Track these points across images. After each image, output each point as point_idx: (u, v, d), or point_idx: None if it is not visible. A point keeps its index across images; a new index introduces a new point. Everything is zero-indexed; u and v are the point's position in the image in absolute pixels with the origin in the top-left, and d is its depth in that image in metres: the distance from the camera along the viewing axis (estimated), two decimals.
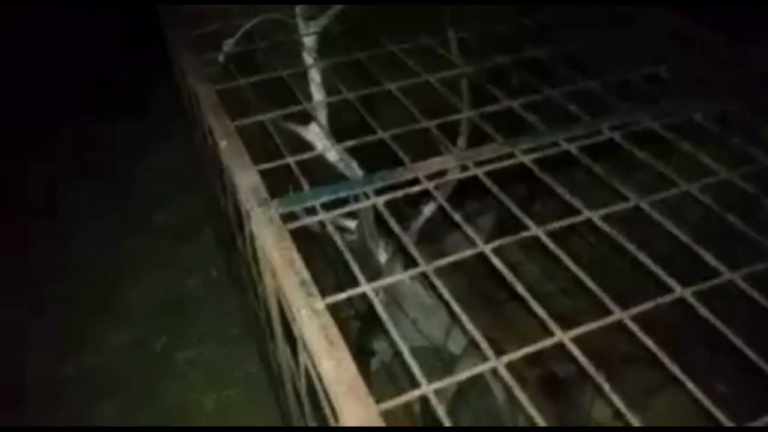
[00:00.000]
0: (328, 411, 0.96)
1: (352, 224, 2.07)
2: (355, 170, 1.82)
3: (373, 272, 1.99)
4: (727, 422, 0.80)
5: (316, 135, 1.80)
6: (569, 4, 1.86)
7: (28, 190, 3.39)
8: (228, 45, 1.79)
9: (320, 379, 0.87)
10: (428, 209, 2.01)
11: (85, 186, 3.36)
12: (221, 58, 1.78)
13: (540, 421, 0.79)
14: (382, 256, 2.06)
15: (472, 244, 1.06)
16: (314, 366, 0.91)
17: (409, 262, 1.14)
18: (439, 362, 2.01)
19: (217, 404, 2.33)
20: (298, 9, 1.79)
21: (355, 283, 1.01)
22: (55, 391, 2.38)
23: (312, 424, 1.25)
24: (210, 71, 1.67)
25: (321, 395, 0.98)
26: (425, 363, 0.90)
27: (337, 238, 1.10)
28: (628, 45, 1.70)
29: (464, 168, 1.24)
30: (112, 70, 4.16)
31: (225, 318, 2.60)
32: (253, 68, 1.70)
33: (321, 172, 1.70)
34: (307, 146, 1.85)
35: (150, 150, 3.58)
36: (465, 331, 0.95)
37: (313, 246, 2.01)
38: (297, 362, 1.12)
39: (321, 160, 1.84)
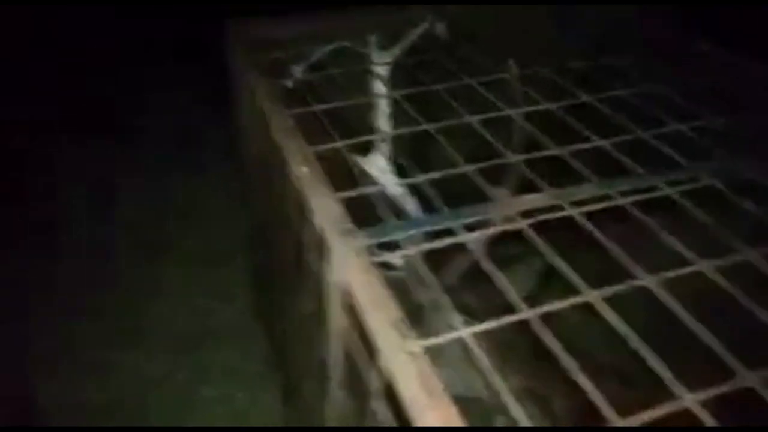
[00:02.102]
0: None
1: (398, 261, 1.99)
2: (414, 207, 1.76)
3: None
4: None
5: (379, 168, 1.74)
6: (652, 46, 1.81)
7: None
8: (297, 71, 1.75)
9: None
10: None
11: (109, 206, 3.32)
12: (290, 83, 1.74)
13: None
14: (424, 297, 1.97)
15: (577, 291, 0.98)
16: (403, 418, 0.83)
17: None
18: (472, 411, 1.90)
19: None
20: (372, 38, 1.75)
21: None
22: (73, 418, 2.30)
23: None
24: (276, 96, 1.63)
25: None
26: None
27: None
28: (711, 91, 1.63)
29: (557, 207, 1.16)
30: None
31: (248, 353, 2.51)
32: (320, 96, 1.66)
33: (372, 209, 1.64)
34: (368, 178, 1.79)
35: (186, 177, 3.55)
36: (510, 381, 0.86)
37: None
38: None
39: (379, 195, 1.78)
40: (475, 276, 1.73)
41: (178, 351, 2.54)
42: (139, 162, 3.64)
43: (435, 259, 1.15)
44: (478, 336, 0.93)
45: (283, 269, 1.64)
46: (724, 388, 0.79)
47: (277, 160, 1.47)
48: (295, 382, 1.92)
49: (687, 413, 0.76)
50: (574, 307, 0.97)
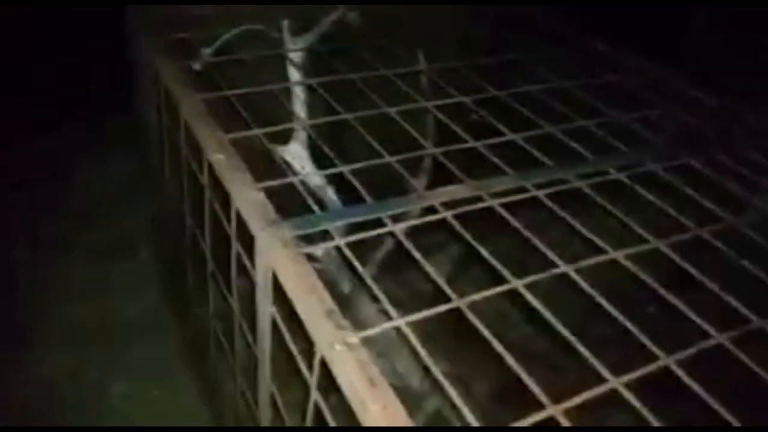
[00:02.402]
0: None
1: (319, 252, 1.98)
2: (332, 197, 1.74)
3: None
4: None
5: (295, 156, 1.70)
6: (553, 43, 1.89)
7: None
8: (205, 54, 1.67)
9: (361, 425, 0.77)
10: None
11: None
12: (198, 66, 1.66)
13: None
14: (346, 287, 1.97)
15: (494, 277, 1.01)
16: (344, 409, 0.82)
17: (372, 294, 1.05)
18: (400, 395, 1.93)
19: None
20: (285, 23, 1.71)
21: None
22: None
23: None
24: (185, 79, 1.56)
25: None
26: None
27: (358, 265, 1.02)
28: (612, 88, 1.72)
29: (478, 198, 1.18)
30: None
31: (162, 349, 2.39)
32: (231, 80, 1.60)
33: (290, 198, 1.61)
34: (286, 166, 1.75)
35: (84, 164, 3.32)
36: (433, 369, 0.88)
37: None
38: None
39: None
40: (393, 265, 1.75)
41: (84, 349, 2.38)
42: None
43: (355, 250, 1.14)
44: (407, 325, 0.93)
45: (201, 261, 1.57)
46: (645, 370, 0.84)
47: (190, 147, 1.41)
48: (216, 377, 1.86)
49: (615, 394, 0.80)
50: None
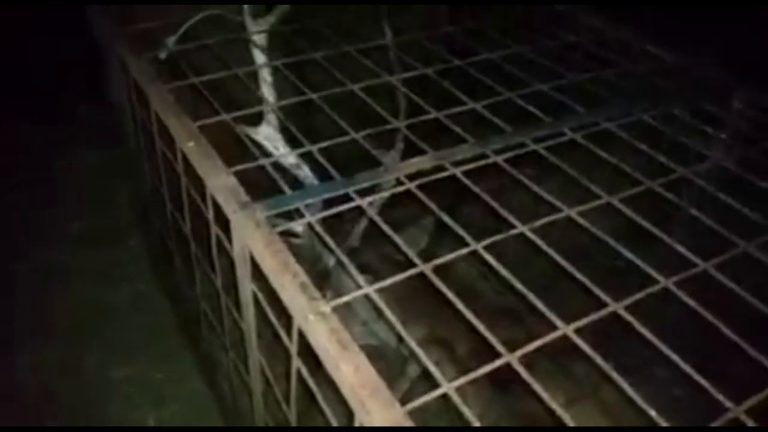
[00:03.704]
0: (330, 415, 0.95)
1: (299, 228, 2.03)
2: (308, 175, 1.80)
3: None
4: None
5: (267, 138, 1.74)
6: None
7: None
8: (170, 42, 1.70)
9: (335, 386, 0.84)
10: None
11: None
12: (162, 55, 1.69)
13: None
14: (330, 260, 2.03)
15: (465, 243, 1.07)
16: (327, 372, 0.88)
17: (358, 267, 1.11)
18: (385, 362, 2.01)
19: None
20: (246, 6, 1.73)
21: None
22: None
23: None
24: (152, 70, 1.59)
25: (319, 400, 0.97)
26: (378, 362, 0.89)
27: (329, 241, 1.08)
28: (569, 49, 1.78)
29: (441, 168, 1.24)
30: None
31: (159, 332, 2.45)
32: (196, 66, 1.64)
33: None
34: (258, 149, 1.79)
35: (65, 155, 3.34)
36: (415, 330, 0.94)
37: None
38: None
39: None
40: (374, 237, 1.81)
41: (82, 336, 2.41)
42: None
43: (334, 224, 1.20)
44: (383, 292, 0.99)
45: (185, 244, 1.63)
46: (594, 317, 0.91)
47: (163, 136, 1.45)
48: (210, 354, 1.93)
49: (566, 340, 0.88)
50: (464, 257, 1.07)
